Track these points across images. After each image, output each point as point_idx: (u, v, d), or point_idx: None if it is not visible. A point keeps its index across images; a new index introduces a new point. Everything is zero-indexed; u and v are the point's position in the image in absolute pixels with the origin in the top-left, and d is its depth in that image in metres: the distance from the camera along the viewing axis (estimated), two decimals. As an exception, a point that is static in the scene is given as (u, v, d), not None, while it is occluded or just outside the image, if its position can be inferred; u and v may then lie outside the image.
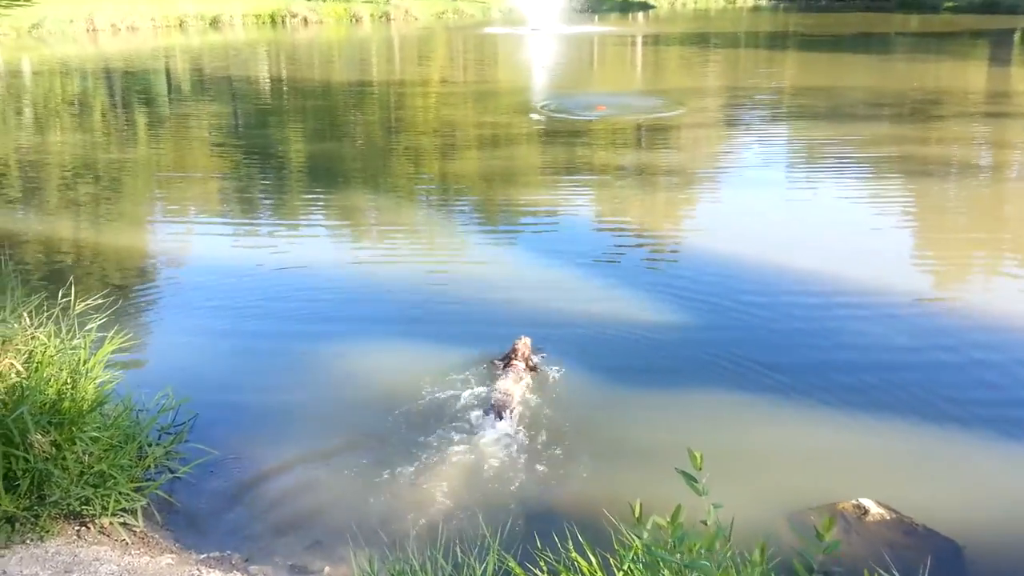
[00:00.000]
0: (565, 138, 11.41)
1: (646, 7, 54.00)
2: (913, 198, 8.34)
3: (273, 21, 36.19)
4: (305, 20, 36.57)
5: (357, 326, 5.20)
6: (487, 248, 6.80)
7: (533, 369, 4.59)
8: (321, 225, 7.51)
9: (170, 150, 11.06)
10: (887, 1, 56.46)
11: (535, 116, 13.06)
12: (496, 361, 4.60)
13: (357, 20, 39.00)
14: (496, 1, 48.26)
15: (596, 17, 44.64)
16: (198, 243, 7.02)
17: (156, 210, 8.24)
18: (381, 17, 40.29)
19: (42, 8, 29.91)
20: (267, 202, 8.43)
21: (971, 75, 19.98)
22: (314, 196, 8.56)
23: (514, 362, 4.54)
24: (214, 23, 34.09)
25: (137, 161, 10.32)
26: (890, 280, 5.80)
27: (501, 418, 4.02)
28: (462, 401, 4.14)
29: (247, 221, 7.68)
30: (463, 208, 8.21)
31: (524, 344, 4.66)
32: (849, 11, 50.10)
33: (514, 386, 4.29)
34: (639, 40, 31.94)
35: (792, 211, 7.83)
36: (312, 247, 6.73)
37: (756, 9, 55.66)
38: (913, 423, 3.98)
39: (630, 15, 48.50)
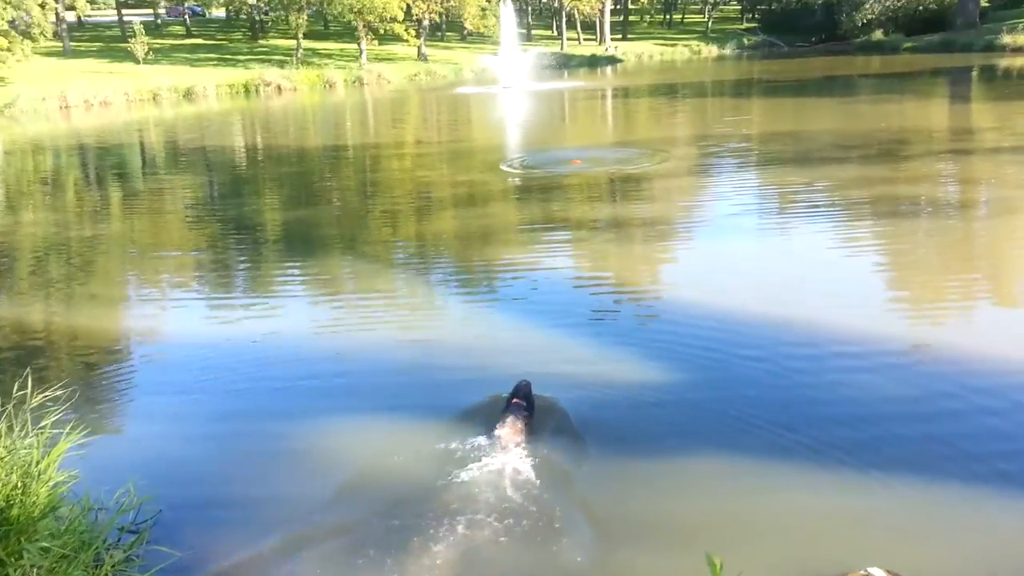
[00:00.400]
0: (541, 194, 11.43)
1: (614, 61, 55.13)
2: (890, 240, 8.36)
3: (247, 90, 36.50)
4: (279, 88, 36.91)
5: (335, 401, 5.04)
6: (468, 311, 6.68)
7: (530, 411, 4.52)
8: (297, 296, 7.37)
9: (144, 225, 10.95)
10: (848, 44, 58.11)
11: (510, 173, 13.12)
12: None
13: (330, 86, 39.43)
14: (468, 61, 49.13)
15: (566, 73, 45.45)
16: (170, 321, 6.85)
17: (128, 288, 8.07)
18: (354, 82, 40.78)
19: (15, 87, 30.08)
20: (242, 275, 8.30)
21: (934, 113, 20.41)
22: (290, 266, 8.44)
23: (516, 400, 4.54)
24: (188, 95, 34.33)
25: (110, 238, 10.19)
26: (880, 326, 5.75)
27: (505, 448, 4.11)
28: (448, 479, 3.95)
29: (221, 296, 7.53)
30: (442, 270, 8.13)
31: (527, 387, 4.65)
32: (811, 56, 51.43)
33: (516, 424, 4.33)
34: (609, 93, 32.47)
35: (773, 259, 7.81)
36: (288, 320, 6.58)
37: (720, 59, 57.03)
38: (923, 480, 3.84)
39: (598, 69, 49.40)
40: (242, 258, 8.94)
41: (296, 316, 6.68)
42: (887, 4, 56.68)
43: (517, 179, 12.61)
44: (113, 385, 5.47)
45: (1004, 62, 34.77)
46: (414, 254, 8.78)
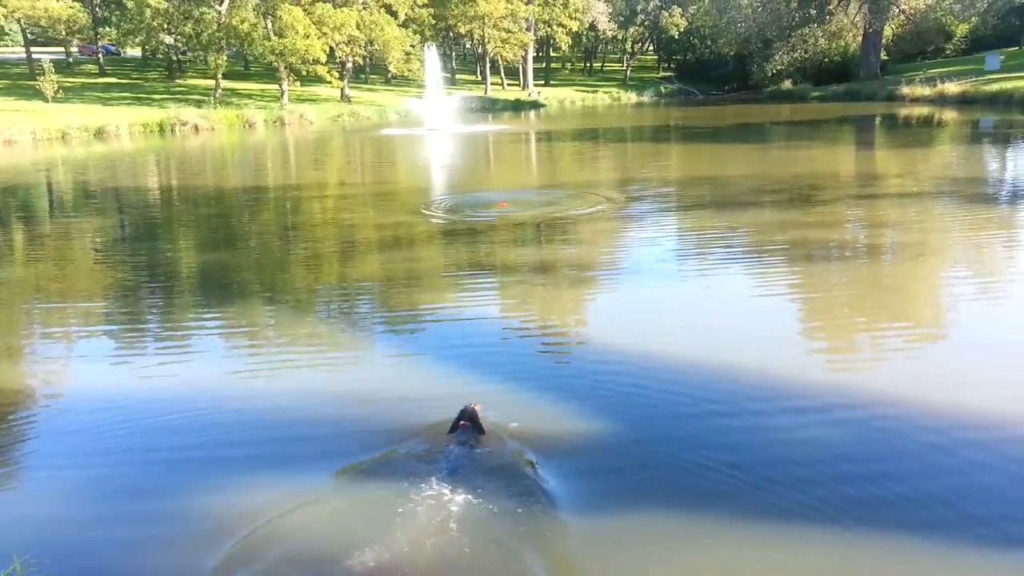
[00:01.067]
0: (467, 238, 11.35)
1: (537, 105, 56.17)
2: (813, 284, 8.56)
3: (162, 129, 35.54)
4: (196, 128, 36.08)
5: (255, 450, 4.76)
6: (392, 359, 6.45)
7: (479, 432, 4.62)
8: (214, 349, 6.98)
9: (50, 269, 10.34)
10: (759, 93, 60.85)
11: (436, 216, 13.01)
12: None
13: (250, 126, 38.81)
14: (392, 103, 49.21)
15: (490, 116, 45.98)
16: (72, 378, 6.39)
17: (27, 341, 7.54)
18: (275, 122, 40.26)
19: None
20: (154, 325, 7.86)
21: (845, 159, 21.39)
22: (206, 315, 8.04)
23: (464, 423, 4.65)
24: (99, 133, 33.18)
25: (11, 284, 9.58)
26: (820, 373, 5.81)
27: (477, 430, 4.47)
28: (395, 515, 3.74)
29: (132, 345, 7.10)
30: (365, 316, 7.89)
31: (475, 409, 4.74)
32: (725, 104, 53.59)
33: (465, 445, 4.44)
34: (533, 137, 32.91)
35: (701, 303, 7.86)
36: (205, 369, 6.23)
37: (639, 105, 58.77)
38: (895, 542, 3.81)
39: (522, 113, 50.19)
40: (154, 307, 8.50)
41: (214, 365, 6.34)
42: (795, 56, 59.67)
43: (443, 222, 12.51)
44: (6, 447, 5.02)
45: (904, 111, 36.91)
46: (336, 297, 8.52)
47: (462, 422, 4.68)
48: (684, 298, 8.02)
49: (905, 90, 42.98)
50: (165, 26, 43.92)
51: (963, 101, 37.98)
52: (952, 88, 40.11)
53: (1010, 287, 8.10)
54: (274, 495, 4.18)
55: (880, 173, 17.69)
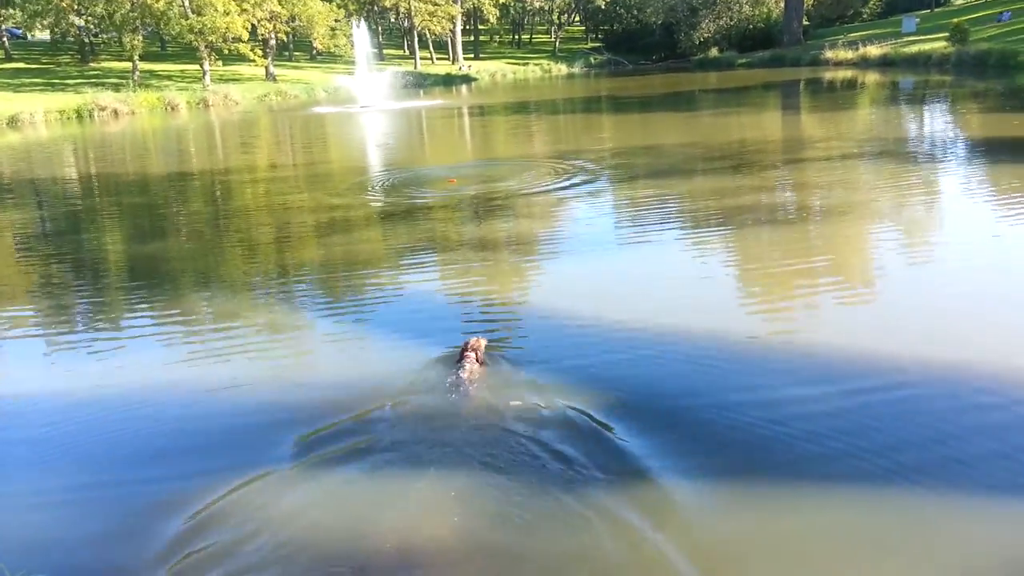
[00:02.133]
0: (405, 216, 11.18)
1: (468, 80, 55.69)
2: (761, 246, 8.71)
3: (79, 116, 34.02)
4: (115, 112, 34.68)
5: (198, 440, 4.61)
6: (341, 341, 6.31)
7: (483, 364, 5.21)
8: (148, 334, 6.73)
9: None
10: (687, 61, 61.52)
11: (381, 196, 12.78)
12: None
13: (173, 108, 37.52)
14: (320, 81, 48.14)
15: (422, 92, 45.44)
16: (4, 376, 6.10)
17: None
18: (199, 104, 38.99)
19: None
20: (83, 315, 7.53)
21: (772, 124, 21.78)
22: (138, 306, 7.72)
23: (467, 355, 5.22)
24: (12, 122, 31.58)
25: (-78, 284, 9.05)
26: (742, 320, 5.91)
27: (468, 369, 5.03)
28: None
29: (61, 340, 6.79)
30: (306, 298, 7.70)
31: (478, 342, 5.34)
32: (654, 73, 54.00)
33: (474, 366, 5.11)
34: (468, 111, 32.65)
35: (657, 270, 7.91)
36: (140, 361, 6.00)
37: (570, 76, 58.83)
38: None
39: (454, 88, 49.72)
40: (82, 301, 8.14)
41: (149, 355, 6.10)
42: (720, 23, 60.44)
43: (389, 202, 12.32)
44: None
45: (828, 75, 37.85)
46: (274, 282, 8.30)
47: (465, 353, 5.24)
48: (641, 265, 8.06)
49: (828, 54, 44.01)
50: (75, 7, 41.91)
51: (884, 63, 39.10)
52: (873, 51, 41.24)
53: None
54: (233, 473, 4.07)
55: (812, 136, 18.11)
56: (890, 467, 3.99)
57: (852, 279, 7.41)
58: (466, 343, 5.37)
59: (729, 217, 9.95)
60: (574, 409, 4.69)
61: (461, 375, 5.05)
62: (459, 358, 5.23)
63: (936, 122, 19.40)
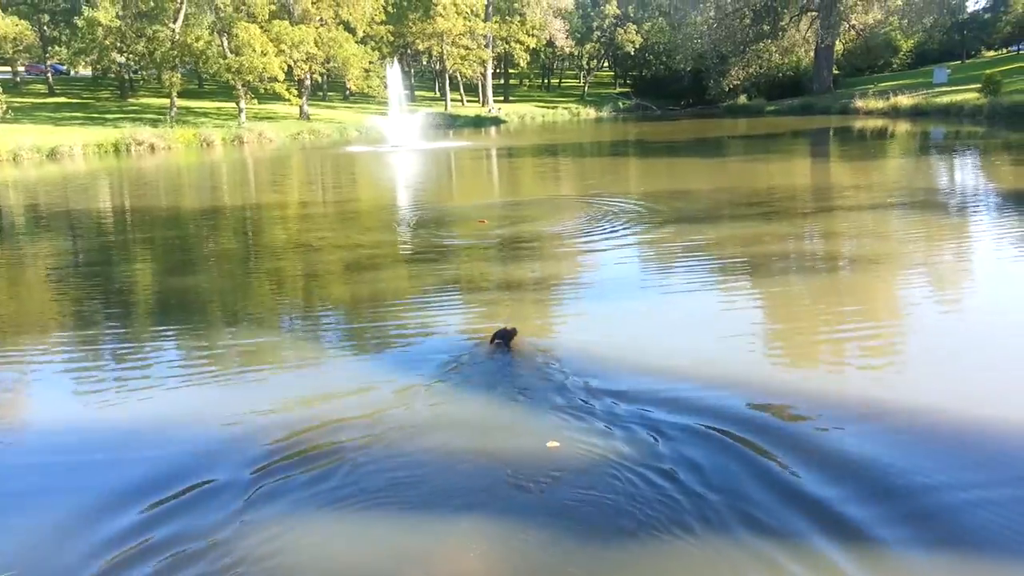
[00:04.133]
0: (434, 255, 11.18)
1: (498, 121, 56.35)
2: (802, 292, 8.58)
3: (117, 150, 34.84)
4: (152, 147, 35.47)
5: (219, 474, 4.54)
6: (363, 387, 6.24)
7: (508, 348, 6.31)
8: (176, 370, 6.73)
9: (1, 295, 9.96)
10: (715, 108, 61.86)
11: (413, 235, 12.85)
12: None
13: (208, 144, 38.29)
14: (352, 120, 48.97)
15: (451, 133, 45.97)
16: (29, 405, 6.11)
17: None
18: (233, 140, 39.78)
19: None
20: (111, 348, 7.56)
21: (810, 171, 21.74)
22: (166, 337, 7.76)
23: (497, 341, 6.37)
24: (52, 155, 32.39)
25: (-43, 312, 9.17)
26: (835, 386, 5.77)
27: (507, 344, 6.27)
28: None
29: (91, 373, 6.81)
30: (332, 337, 7.68)
31: (508, 329, 6.45)
32: (682, 118, 54.35)
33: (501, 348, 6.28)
34: (499, 152, 32.94)
35: (693, 316, 7.81)
36: (167, 396, 5.98)
37: (599, 120, 59.35)
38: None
39: (483, 130, 50.29)
40: (112, 327, 8.20)
41: (177, 391, 6.08)
42: (750, 71, 60.82)
43: (418, 241, 12.36)
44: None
45: (859, 123, 37.82)
46: (300, 319, 8.30)
47: (496, 340, 6.38)
48: (681, 312, 7.95)
49: (859, 103, 44.02)
50: (117, 44, 43.19)
51: (915, 113, 38.99)
52: (904, 101, 41.18)
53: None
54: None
55: (848, 184, 17.98)
56: None
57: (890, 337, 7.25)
58: (495, 332, 6.46)
59: (763, 265, 9.83)
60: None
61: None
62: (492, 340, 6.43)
63: (968, 172, 19.20)
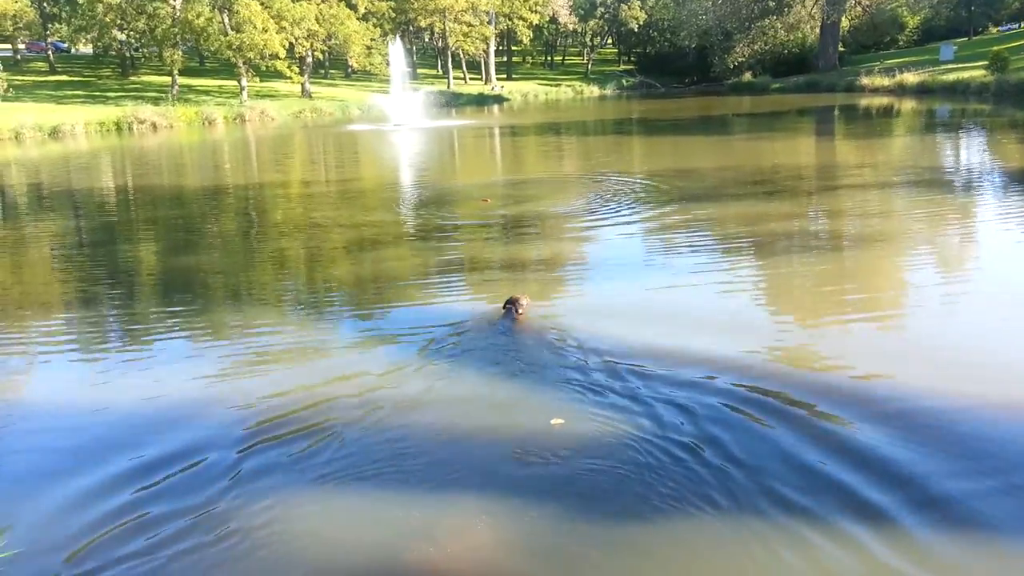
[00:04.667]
0: (437, 235, 11.16)
1: (501, 99, 56.00)
2: (807, 273, 8.57)
3: (119, 128, 34.71)
4: (154, 126, 35.32)
5: (225, 453, 4.56)
6: (364, 367, 6.25)
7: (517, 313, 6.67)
8: (182, 348, 6.75)
9: (5, 274, 9.97)
10: (720, 85, 61.39)
11: (404, 213, 12.81)
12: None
13: (210, 123, 38.13)
14: (354, 98, 48.68)
15: (454, 111, 45.72)
16: (36, 382, 6.14)
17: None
18: (236, 119, 39.60)
19: None
20: (117, 326, 7.59)
21: (802, 150, 21.58)
22: (171, 316, 7.77)
23: (511, 307, 6.76)
24: (53, 133, 32.28)
25: (-39, 291, 9.19)
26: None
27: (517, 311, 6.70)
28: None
29: (95, 351, 6.83)
30: (334, 316, 7.69)
31: (524, 298, 6.84)
32: (687, 96, 53.97)
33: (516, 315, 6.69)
34: (504, 130, 32.79)
35: (692, 295, 7.80)
36: (172, 373, 6.00)
37: (602, 98, 58.97)
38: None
39: (486, 108, 50.01)
40: (116, 306, 8.22)
41: (181, 368, 6.10)
42: (755, 48, 60.28)
43: (420, 220, 12.34)
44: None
45: (865, 101, 37.57)
46: (305, 298, 8.31)
47: (507, 306, 6.78)
48: (670, 287, 7.94)
49: (865, 80, 43.67)
50: (118, 22, 42.89)
51: (921, 91, 38.68)
52: (911, 78, 40.83)
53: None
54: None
55: (853, 163, 17.89)
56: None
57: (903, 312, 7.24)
58: (507, 300, 6.84)
59: (767, 243, 9.81)
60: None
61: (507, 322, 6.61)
62: (504, 310, 6.77)
63: (975, 151, 19.08)
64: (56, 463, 4.72)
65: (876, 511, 3.84)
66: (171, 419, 5.21)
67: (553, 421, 4.90)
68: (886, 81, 41.85)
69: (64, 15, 51.53)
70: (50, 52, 55.24)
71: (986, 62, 36.69)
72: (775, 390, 5.23)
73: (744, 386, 5.31)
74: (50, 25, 54.01)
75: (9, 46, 55.07)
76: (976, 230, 10.40)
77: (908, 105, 33.62)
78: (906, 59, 51.13)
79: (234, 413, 5.25)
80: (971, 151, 19.15)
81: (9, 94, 37.29)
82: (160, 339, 7.09)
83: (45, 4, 52.39)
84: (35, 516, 4.13)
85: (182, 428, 5.06)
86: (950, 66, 43.06)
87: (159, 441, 4.89)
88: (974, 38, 61.97)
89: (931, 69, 43.00)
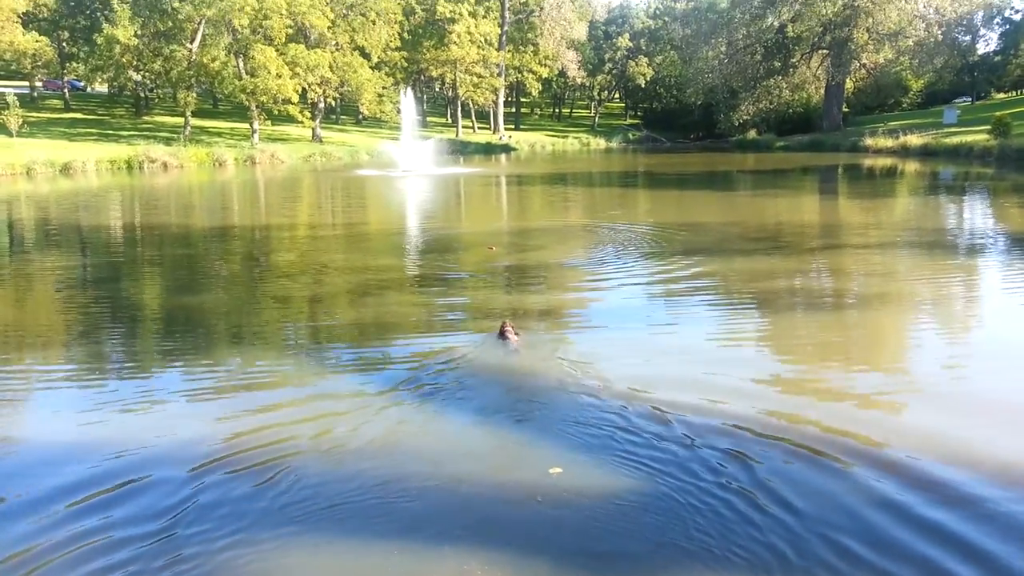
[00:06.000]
0: (439, 282, 11.17)
1: (508, 149, 56.65)
2: (817, 331, 8.53)
3: (130, 167, 35.11)
4: (165, 165, 35.74)
5: (226, 508, 4.49)
6: (367, 414, 6.20)
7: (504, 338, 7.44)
8: (180, 392, 6.70)
9: (10, 310, 9.96)
10: (725, 142, 62.12)
11: (410, 259, 12.84)
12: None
13: (220, 164, 38.57)
14: (363, 144, 49.29)
15: (462, 159, 46.21)
16: (33, 421, 6.08)
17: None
18: (246, 161, 40.07)
19: None
20: (117, 364, 7.56)
21: (806, 208, 21.71)
22: (172, 357, 7.74)
23: (506, 330, 7.56)
24: (65, 169, 32.65)
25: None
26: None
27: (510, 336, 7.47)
28: None
29: (95, 390, 6.78)
30: (337, 360, 7.64)
31: (509, 324, 7.64)
32: (692, 152, 54.60)
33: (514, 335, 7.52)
34: (510, 180, 33.07)
35: (698, 347, 7.76)
36: (171, 416, 5.94)
37: (608, 151, 59.60)
38: None
39: (493, 157, 50.54)
40: (118, 344, 8.19)
41: (180, 413, 6.04)
42: (760, 106, 61.11)
43: (429, 266, 12.37)
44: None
45: (868, 161, 37.92)
46: (307, 342, 8.27)
47: (503, 329, 7.57)
48: (672, 339, 7.90)
49: (868, 141, 44.15)
50: (134, 62, 43.71)
51: (925, 153, 39.06)
52: (914, 140, 41.27)
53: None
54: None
55: (867, 222, 17.96)
56: None
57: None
58: (502, 324, 7.64)
59: (771, 300, 9.80)
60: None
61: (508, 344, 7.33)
62: (500, 333, 7.50)
63: (978, 213, 19.18)
64: (32, 491, 4.66)
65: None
66: (145, 455, 5.15)
67: (552, 470, 4.84)
68: (890, 142, 42.30)
69: (82, 55, 52.61)
70: (66, 90, 56.25)
71: (989, 127, 37.12)
72: (771, 439, 5.17)
73: (734, 444, 5.24)
74: (67, 64, 55.09)
75: (27, 83, 56.07)
76: (979, 291, 10.38)
77: (912, 167, 33.92)
78: (909, 121, 51.80)
79: (223, 448, 5.19)
80: (974, 213, 19.24)
81: (24, 130, 37.82)
82: (156, 376, 7.04)
83: (64, 43, 53.50)
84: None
85: (172, 463, 5.00)
86: (953, 129, 43.57)
87: (126, 472, 4.82)
88: (977, 103, 62.84)
89: (934, 132, 43.50)
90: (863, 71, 59.70)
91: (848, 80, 59.18)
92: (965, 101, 65.01)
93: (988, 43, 70.73)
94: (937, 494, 4.58)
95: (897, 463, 4.97)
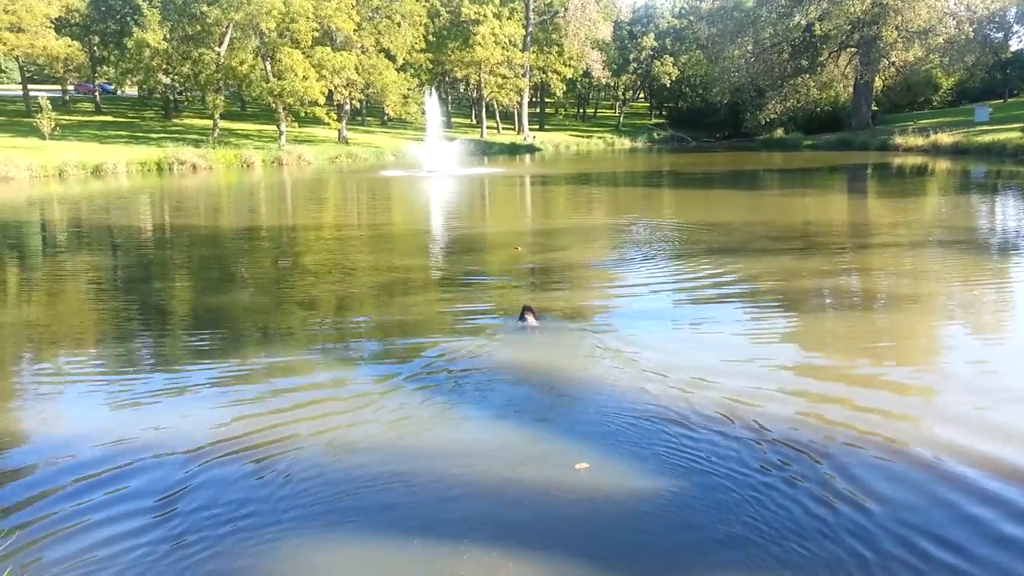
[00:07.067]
0: (463, 284, 11.19)
1: (532, 149, 56.63)
2: (849, 329, 8.44)
3: (159, 168, 35.58)
4: (194, 167, 36.15)
5: (252, 509, 4.54)
6: (397, 409, 6.23)
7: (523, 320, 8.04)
8: (209, 388, 6.78)
9: (42, 309, 10.14)
10: (751, 141, 61.60)
11: (435, 258, 12.89)
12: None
13: (248, 166, 38.93)
14: (389, 145, 49.52)
15: (486, 159, 46.26)
16: (67, 416, 6.19)
17: (22, 378, 7.32)
18: (273, 162, 40.43)
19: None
20: (148, 362, 7.66)
21: (835, 207, 21.47)
22: (200, 356, 7.82)
23: (527, 312, 8.11)
24: (96, 171, 33.16)
25: (2, 324, 9.36)
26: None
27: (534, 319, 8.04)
28: None
29: (126, 387, 6.87)
30: (365, 360, 7.68)
31: (529, 307, 8.20)
32: (718, 151, 54.23)
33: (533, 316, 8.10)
34: (536, 180, 33.07)
35: (726, 346, 7.71)
36: (198, 415, 6.01)
37: (633, 150, 59.35)
38: None
39: (518, 157, 50.55)
40: (148, 343, 8.31)
41: (208, 410, 6.11)
42: (787, 105, 60.51)
43: (454, 266, 12.41)
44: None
45: (898, 160, 37.41)
46: (333, 342, 8.33)
47: (523, 312, 8.13)
48: (701, 339, 7.86)
49: (898, 140, 43.56)
50: (164, 66, 44.29)
51: (956, 151, 38.45)
52: (945, 138, 40.66)
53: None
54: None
55: (896, 221, 17.74)
56: None
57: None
58: (522, 307, 8.17)
59: (799, 300, 9.70)
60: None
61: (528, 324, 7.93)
62: (520, 316, 8.04)
63: (1011, 212, 18.85)
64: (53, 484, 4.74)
65: None
66: (175, 468, 5.21)
67: (578, 466, 4.84)
68: (920, 141, 41.70)
69: (112, 59, 53.46)
70: (97, 93, 57.16)
71: (1021, 124, 36.45)
72: (799, 443, 5.12)
73: (764, 441, 5.20)
74: (98, 68, 55.96)
75: (59, 87, 57.05)
76: (1013, 291, 10.20)
77: (943, 165, 33.43)
78: (940, 120, 51.03)
79: (240, 444, 5.24)
80: (1007, 212, 18.91)
81: (56, 133, 38.47)
82: (184, 374, 7.12)
83: (95, 47, 54.35)
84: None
85: (175, 458, 5.06)
86: (985, 127, 42.85)
87: (144, 467, 4.89)
88: (1009, 100, 61.75)
89: (966, 130, 42.81)
90: (892, 69, 58.92)
91: (877, 78, 58.43)
92: (998, 100, 63.86)
93: (1021, 40, 69.48)
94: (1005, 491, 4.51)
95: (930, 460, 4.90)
